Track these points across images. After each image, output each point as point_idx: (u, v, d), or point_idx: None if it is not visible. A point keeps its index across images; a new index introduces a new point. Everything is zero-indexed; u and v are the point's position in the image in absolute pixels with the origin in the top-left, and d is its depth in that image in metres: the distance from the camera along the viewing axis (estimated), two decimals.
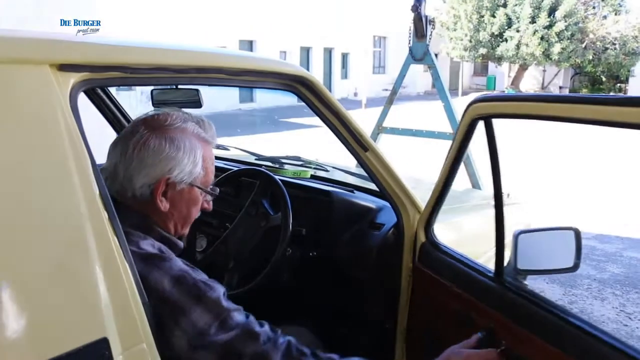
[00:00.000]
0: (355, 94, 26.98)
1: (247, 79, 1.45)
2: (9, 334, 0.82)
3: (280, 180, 2.15)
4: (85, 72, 1.02)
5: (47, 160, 0.92)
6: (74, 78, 1.00)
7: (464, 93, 29.66)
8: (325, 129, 1.70)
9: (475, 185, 4.84)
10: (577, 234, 1.47)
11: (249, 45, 22.03)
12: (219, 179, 2.23)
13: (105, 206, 0.98)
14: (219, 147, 2.69)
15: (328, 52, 26.64)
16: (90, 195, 0.95)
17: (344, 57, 27.63)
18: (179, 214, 1.29)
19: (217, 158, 2.72)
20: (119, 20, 12.03)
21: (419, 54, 5.26)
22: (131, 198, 1.22)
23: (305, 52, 25.28)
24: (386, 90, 27.69)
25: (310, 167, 2.57)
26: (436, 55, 33.24)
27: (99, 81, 1.10)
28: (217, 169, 2.55)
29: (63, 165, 0.93)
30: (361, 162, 1.78)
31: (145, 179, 1.20)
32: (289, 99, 23.99)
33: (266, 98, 22.12)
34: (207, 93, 1.81)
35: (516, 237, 1.46)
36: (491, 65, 31.18)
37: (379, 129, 5.60)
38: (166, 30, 14.04)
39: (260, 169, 2.30)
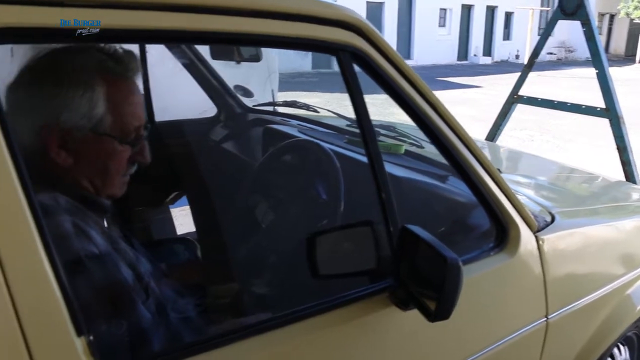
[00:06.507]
0: (517, 57, 25.70)
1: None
2: None
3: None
4: None
5: None
6: None
7: None
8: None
9: (631, 176, 4.02)
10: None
11: (408, 1, 21.83)
12: (281, 146, 1.87)
13: None
14: (308, 108, 2.40)
15: (491, 10, 25.52)
16: None
17: (508, 16, 26.31)
18: (90, 169, 1.07)
19: (302, 120, 2.30)
20: None
21: (571, 7, 4.21)
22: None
23: (467, 10, 24.52)
24: (551, 53, 26.01)
25: (406, 141, 2.03)
26: (613, 15, 30.29)
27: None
28: (285, 135, 2.12)
29: None
30: (453, 160, 1.32)
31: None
32: (448, 56, 23.59)
33: (425, 56, 21.87)
34: None
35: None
36: None
37: (514, 98, 4.79)
38: None
39: (313, 141, 1.84)
